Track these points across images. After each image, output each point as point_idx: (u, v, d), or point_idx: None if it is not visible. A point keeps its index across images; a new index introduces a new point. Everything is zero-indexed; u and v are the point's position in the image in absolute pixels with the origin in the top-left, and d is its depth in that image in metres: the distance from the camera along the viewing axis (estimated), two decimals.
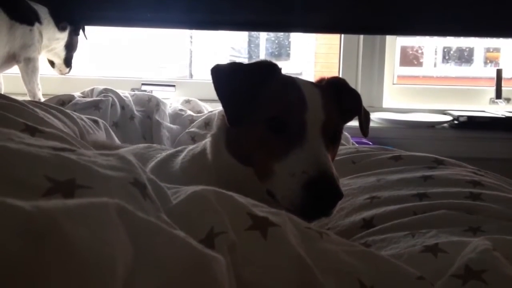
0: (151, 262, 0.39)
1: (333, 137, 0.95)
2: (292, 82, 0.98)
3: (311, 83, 1.00)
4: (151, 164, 1.19)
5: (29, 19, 2.10)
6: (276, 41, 4.26)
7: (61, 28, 2.23)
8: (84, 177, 0.47)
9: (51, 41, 2.22)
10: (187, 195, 0.60)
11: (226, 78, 0.97)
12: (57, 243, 0.32)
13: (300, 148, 0.88)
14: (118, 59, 3.67)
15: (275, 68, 1.01)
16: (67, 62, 2.36)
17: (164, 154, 1.21)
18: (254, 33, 4.07)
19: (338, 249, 0.63)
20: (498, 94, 2.59)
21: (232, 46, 4.38)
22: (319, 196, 0.83)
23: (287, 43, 4.34)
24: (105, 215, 0.36)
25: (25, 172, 0.46)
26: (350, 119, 1.08)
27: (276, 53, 4.40)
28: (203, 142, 1.10)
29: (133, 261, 0.37)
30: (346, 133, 1.84)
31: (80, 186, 0.46)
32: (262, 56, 4.39)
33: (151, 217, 0.47)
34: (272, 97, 0.95)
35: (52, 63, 2.38)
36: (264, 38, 4.25)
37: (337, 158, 1.38)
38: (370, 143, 2.20)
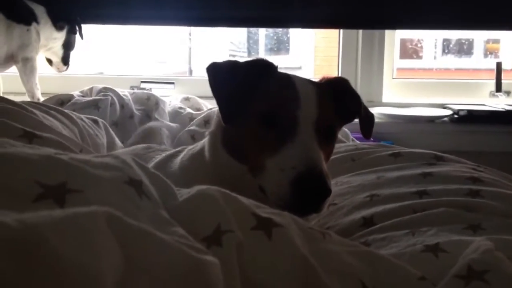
0: (142, 271, 0.39)
1: (327, 135, 0.94)
2: (287, 79, 0.97)
3: (308, 80, 1.00)
4: (151, 165, 1.18)
5: (27, 19, 2.09)
6: (275, 36, 4.25)
7: (59, 28, 2.22)
8: (75, 180, 0.46)
9: (48, 40, 2.21)
10: (193, 193, 0.60)
11: (222, 77, 0.96)
12: (45, 259, 0.31)
13: (291, 143, 0.87)
14: (117, 56, 3.66)
15: (271, 67, 1.00)
16: (65, 60, 2.35)
17: (163, 155, 1.21)
18: (253, 28, 4.05)
19: (341, 250, 0.63)
20: (498, 87, 2.58)
21: (231, 41, 4.37)
22: (306, 192, 0.83)
23: (286, 38, 4.33)
24: (93, 226, 0.36)
25: (15, 177, 0.45)
26: (351, 120, 1.08)
27: (275, 48, 4.39)
28: (202, 141, 1.10)
29: (123, 272, 0.37)
30: (345, 129, 1.84)
31: (71, 190, 0.45)
32: (262, 51, 4.38)
33: (144, 221, 0.47)
34: (266, 94, 0.94)
35: (50, 61, 2.38)
36: (263, 33, 4.23)
37: (336, 155, 1.38)
38: (371, 138, 2.20)
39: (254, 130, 0.93)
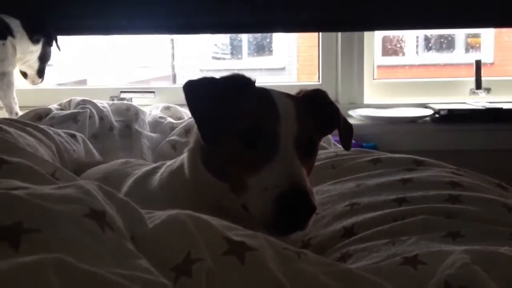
0: None
1: (308, 149, 0.94)
2: (266, 95, 0.96)
3: (286, 94, 0.99)
4: (129, 182, 1.17)
5: (2, 33, 2.06)
6: (258, 38, 4.24)
7: (35, 41, 2.19)
8: (32, 219, 0.45)
9: (25, 54, 2.18)
10: (162, 219, 0.59)
11: (200, 95, 0.95)
12: None
13: (272, 161, 0.86)
14: (98, 62, 3.62)
15: (248, 82, 0.99)
16: (40, 73, 2.32)
17: (142, 170, 1.19)
18: None
19: (316, 270, 0.63)
20: (478, 85, 2.60)
21: (215, 43, 4.35)
22: (291, 210, 0.82)
23: (269, 39, 4.32)
24: (39, 278, 0.34)
25: None
26: (330, 132, 1.07)
27: (259, 49, 4.38)
28: (181, 157, 1.09)
29: None
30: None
31: (27, 230, 0.44)
32: (245, 53, 4.37)
33: (105, 256, 0.45)
34: (245, 110, 0.93)
35: (24, 74, 2.34)
36: (246, 35, 4.22)
37: (317, 163, 1.36)
38: (353, 140, 2.20)
39: (234, 148, 0.91)
